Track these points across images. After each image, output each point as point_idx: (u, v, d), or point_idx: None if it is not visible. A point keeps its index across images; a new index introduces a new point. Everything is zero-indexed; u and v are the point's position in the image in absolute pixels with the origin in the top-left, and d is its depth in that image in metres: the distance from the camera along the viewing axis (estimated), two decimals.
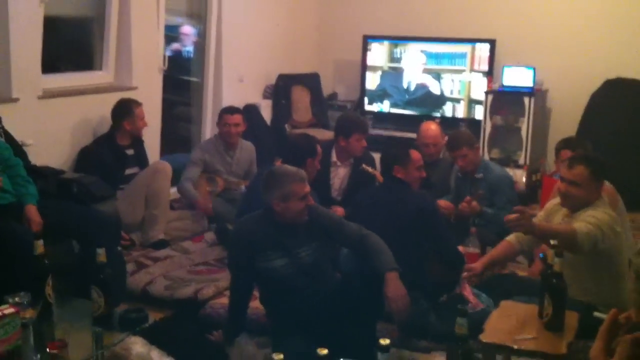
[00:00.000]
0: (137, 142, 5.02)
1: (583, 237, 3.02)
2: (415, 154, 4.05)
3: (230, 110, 5.32)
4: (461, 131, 5.31)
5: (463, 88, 6.79)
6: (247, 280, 3.28)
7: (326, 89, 7.37)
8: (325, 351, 1.84)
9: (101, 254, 2.64)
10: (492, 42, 6.60)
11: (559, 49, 6.51)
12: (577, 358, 2.97)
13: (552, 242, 2.88)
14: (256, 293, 3.41)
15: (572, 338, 2.74)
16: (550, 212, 3.56)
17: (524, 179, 6.04)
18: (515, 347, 2.66)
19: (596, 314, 2.96)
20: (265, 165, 4.67)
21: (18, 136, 4.16)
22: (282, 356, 1.80)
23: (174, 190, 5.21)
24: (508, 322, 2.87)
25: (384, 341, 1.92)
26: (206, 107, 6.42)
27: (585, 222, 3.11)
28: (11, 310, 2.29)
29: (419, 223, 3.67)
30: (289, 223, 3.20)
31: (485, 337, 2.70)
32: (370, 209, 3.81)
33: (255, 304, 3.45)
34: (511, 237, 3.56)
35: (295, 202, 3.15)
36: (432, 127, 5.14)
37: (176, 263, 4.37)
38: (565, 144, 4.40)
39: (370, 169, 4.75)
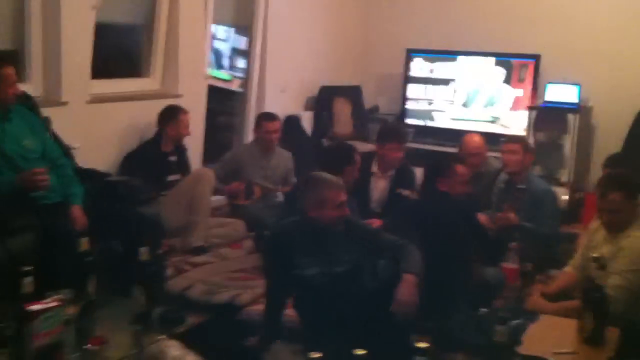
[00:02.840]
0: (180, 149, 5.11)
1: (620, 297, 2.98)
2: (460, 168, 4.04)
3: (269, 117, 5.38)
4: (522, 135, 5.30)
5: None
6: (282, 287, 3.28)
7: (368, 101, 7.39)
8: (362, 351, 1.85)
9: (144, 252, 2.69)
10: (537, 57, 6.54)
11: (605, 65, 6.42)
12: None
13: (594, 255, 2.85)
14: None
15: (613, 353, 2.69)
16: (591, 233, 3.53)
17: (566, 197, 5.96)
18: None
19: None
20: (303, 175, 4.70)
21: (66, 139, 4.25)
22: (320, 354, 1.82)
23: (214, 198, 5.27)
24: (547, 335, 2.84)
25: (422, 344, 1.92)
26: (249, 116, 6.48)
27: (621, 272, 3.06)
28: (55, 303, 2.35)
29: (464, 228, 3.64)
30: (325, 231, 3.21)
31: (523, 350, 2.67)
32: (414, 220, 3.79)
33: (291, 311, 3.45)
34: (569, 268, 3.54)
35: (330, 209, 3.16)
36: (475, 139, 5.14)
37: (214, 269, 4.40)
38: (610, 163, 4.32)
39: (406, 192, 4.74)
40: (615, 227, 3.28)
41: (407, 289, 3.10)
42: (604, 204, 3.24)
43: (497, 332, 2.09)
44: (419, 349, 1.91)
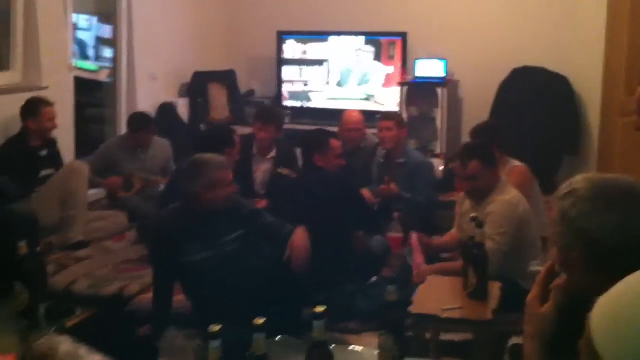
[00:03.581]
0: (50, 143, 4.87)
1: (494, 259, 3.14)
2: (334, 142, 4.10)
3: (133, 127, 5.25)
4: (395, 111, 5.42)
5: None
6: (169, 275, 3.25)
7: (243, 86, 7.35)
8: (261, 321, 1.85)
9: (22, 246, 2.55)
10: (404, 35, 6.74)
11: (468, 41, 6.71)
12: (501, 327, 3.09)
13: (472, 215, 2.98)
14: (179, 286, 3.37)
15: (497, 306, 2.84)
16: (460, 203, 3.72)
17: (441, 168, 6.20)
18: (444, 316, 2.75)
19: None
20: (181, 163, 4.61)
21: None
22: (219, 327, 1.80)
23: (92, 191, 5.09)
24: (435, 294, 2.96)
25: (320, 308, 1.94)
26: (120, 107, 6.28)
27: (491, 236, 3.23)
28: None
29: (341, 200, 3.70)
30: (212, 213, 3.18)
31: (414, 309, 2.77)
32: (293, 198, 3.83)
33: (180, 297, 3.40)
34: (453, 230, 3.71)
35: (221, 189, 3.15)
36: (354, 114, 5.24)
37: (98, 262, 4.27)
38: (476, 132, 4.49)
39: (286, 171, 4.77)
40: (478, 194, 3.45)
41: (299, 236, 3.21)
42: (464, 172, 3.41)
43: (387, 291, 2.14)
44: (316, 313, 1.92)
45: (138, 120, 5.30)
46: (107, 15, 6.20)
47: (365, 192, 4.61)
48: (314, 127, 6.55)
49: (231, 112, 7.00)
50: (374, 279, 3.85)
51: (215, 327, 1.79)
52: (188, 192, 3.18)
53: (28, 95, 4.81)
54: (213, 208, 3.18)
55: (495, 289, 2.95)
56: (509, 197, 3.38)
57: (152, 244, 3.39)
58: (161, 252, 3.23)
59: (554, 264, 1.55)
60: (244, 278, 3.16)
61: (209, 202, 3.14)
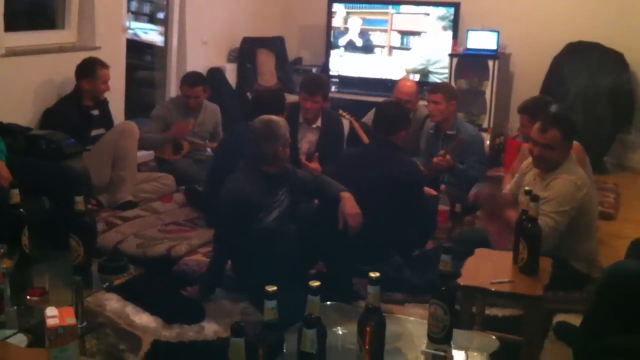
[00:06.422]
0: (102, 103, 4.92)
1: (549, 236, 3.12)
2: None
3: (190, 81, 5.20)
4: (445, 82, 5.35)
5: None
6: (237, 241, 3.24)
7: (291, 53, 7.33)
8: (316, 283, 1.85)
9: (79, 201, 2.59)
10: (457, 5, 6.63)
11: (522, 14, 6.59)
12: (550, 304, 3.07)
13: (526, 188, 2.94)
14: None
15: (548, 281, 2.81)
16: (522, 174, 3.65)
17: (487, 142, 6.13)
18: (493, 289, 2.72)
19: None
20: (233, 127, 4.62)
21: None
22: (275, 287, 1.81)
23: (141, 153, 5.14)
24: (484, 267, 2.93)
25: (374, 274, 1.94)
26: (170, 71, 6.33)
27: (550, 213, 3.19)
28: None
29: (404, 188, 3.66)
30: (275, 178, 3.27)
31: (463, 281, 2.75)
32: (358, 166, 3.78)
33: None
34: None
35: (288, 148, 3.28)
36: (408, 84, 5.19)
37: (147, 222, 4.32)
38: (524, 109, 4.42)
39: (347, 115, 4.76)
40: (546, 165, 3.39)
41: (349, 203, 3.22)
42: (542, 138, 3.34)
43: (442, 260, 2.12)
44: (372, 278, 1.93)
45: (195, 76, 5.30)
46: None
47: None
48: (362, 97, 6.64)
49: (279, 79, 6.99)
50: (417, 252, 3.84)
51: (271, 287, 1.80)
52: (265, 152, 3.23)
53: (81, 55, 4.86)
54: (282, 167, 3.26)
55: (546, 264, 2.91)
56: (574, 176, 3.31)
57: (226, 211, 3.26)
58: (235, 220, 3.19)
59: None
60: (296, 240, 3.20)
61: (283, 161, 3.18)
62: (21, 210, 2.67)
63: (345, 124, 4.91)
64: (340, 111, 4.83)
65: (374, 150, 3.89)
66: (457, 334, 2.17)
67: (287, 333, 1.93)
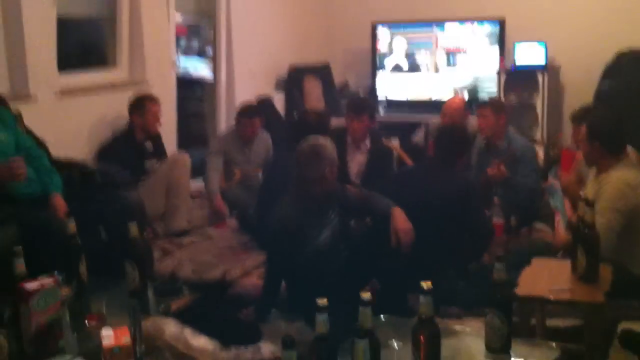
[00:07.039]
0: (155, 137, 5.04)
1: (604, 236, 2.99)
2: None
3: (248, 114, 5.29)
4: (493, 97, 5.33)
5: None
6: (288, 264, 3.27)
7: (337, 77, 7.38)
8: (368, 294, 1.84)
9: (133, 227, 2.65)
10: (502, 22, 6.59)
11: (569, 25, 6.50)
12: (612, 312, 2.97)
13: (582, 193, 2.87)
14: None
15: (608, 288, 2.73)
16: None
17: (541, 154, 6.02)
18: (552, 297, 2.66)
19: None
20: (280, 148, 4.66)
21: (36, 133, 4.17)
22: (325, 300, 1.81)
23: (193, 182, 5.23)
24: (541, 277, 2.87)
25: (426, 283, 1.92)
26: (220, 103, 6.43)
27: (601, 211, 3.08)
28: (49, 281, 2.30)
29: (460, 204, 3.63)
30: (326, 195, 3.26)
31: (520, 291, 2.69)
32: (412, 184, 3.77)
33: None
34: None
35: (335, 167, 3.27)
36: (455, 101, 5.18)
37: (201, 248, 4.40)
38: (577, 118, 4.33)
39: (393, 144, 4.74)
40: (589, 158, 3.33)
41: (401, 219, 3.20)
42: (575, 135, 3.28)
43: (496, 269, 2.08)
44: (423, 289, 1.91)
45: (252, 108, 5.40)
46: (207, 13, 6.35)
47: None
48: (409, 118, 6.64)
49: (326, 104, 7.03)
50: (473, 265, 3.78)
51: (322, 300, 1.80)
52: (313, 173, 3.22)
53: (132, 91, 5.00)
54: (332, 187, 3.26)
55: (606, 271, 2.83)
56: (630, 177, 3.23)
57: (276, 240, 3.31)
58: (285, 246, 3.22)
59: None
60: (345, 258, 3.19)
61: (331, 181, 3.20)
62: (78, 240, 2.74)
63: None
64: (383, 140, 4.82)
65: (428, 168, 3.92)
66: (517, 343, 2.12)
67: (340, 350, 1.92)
